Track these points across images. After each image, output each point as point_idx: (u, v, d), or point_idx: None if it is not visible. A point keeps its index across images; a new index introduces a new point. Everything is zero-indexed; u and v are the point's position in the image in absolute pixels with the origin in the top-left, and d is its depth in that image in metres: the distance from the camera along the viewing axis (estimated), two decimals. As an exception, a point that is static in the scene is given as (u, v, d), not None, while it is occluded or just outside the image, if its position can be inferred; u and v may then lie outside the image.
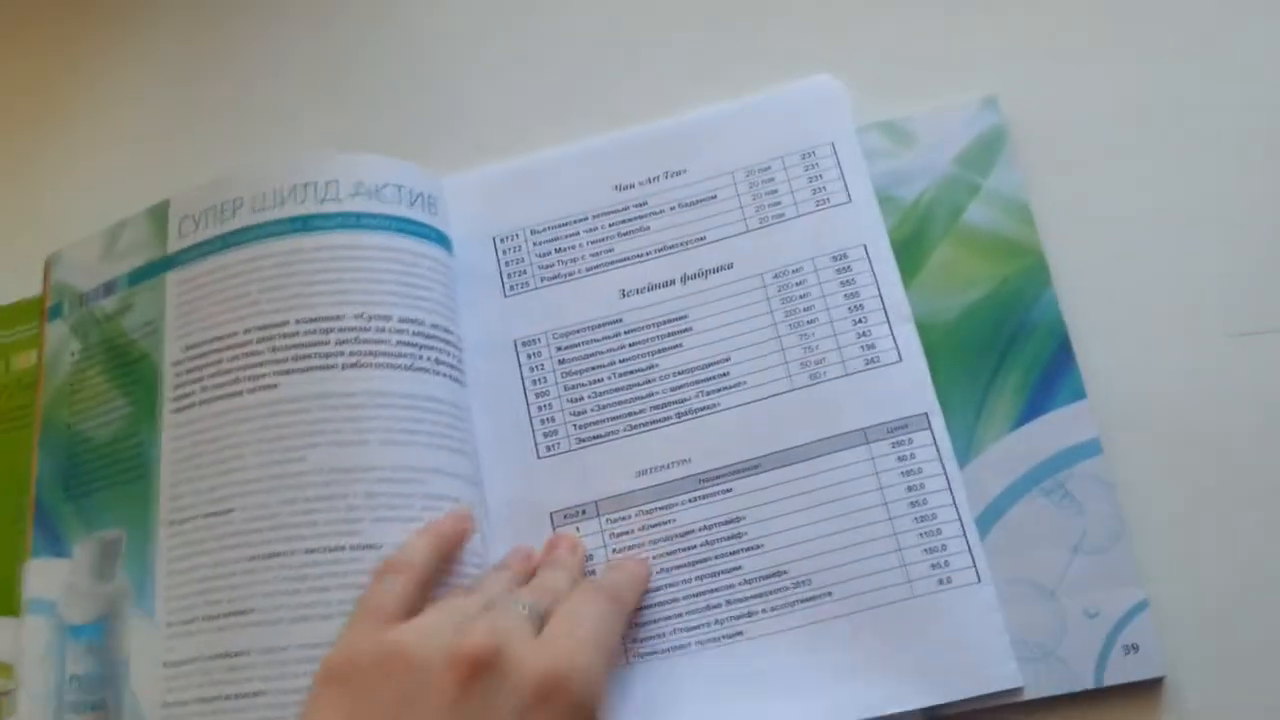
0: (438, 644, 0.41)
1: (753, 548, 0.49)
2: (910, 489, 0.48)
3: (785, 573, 0.48)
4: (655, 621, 0.49)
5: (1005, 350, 0.50)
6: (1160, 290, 0.50)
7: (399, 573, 0.44)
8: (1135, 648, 0.45)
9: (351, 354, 0.49)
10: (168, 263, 0.53)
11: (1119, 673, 0.45)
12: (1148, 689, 0.45)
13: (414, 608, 0.44)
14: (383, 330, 0.50)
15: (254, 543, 0.47)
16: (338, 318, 0.49)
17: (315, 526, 0.47)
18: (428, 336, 0.51)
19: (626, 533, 0.50)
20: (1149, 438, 0.48)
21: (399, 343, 0.50)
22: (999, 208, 0.52)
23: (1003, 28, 0.56)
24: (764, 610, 0.48)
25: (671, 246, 0.54)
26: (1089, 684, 0.45)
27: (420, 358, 0.50)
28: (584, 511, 0.51)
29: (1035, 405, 0.49)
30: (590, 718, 0.42)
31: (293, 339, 0.49)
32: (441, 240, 0.53)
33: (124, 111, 0.65)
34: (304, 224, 0.51)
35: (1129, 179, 0.52)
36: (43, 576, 0.52)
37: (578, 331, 0.53)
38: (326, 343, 0.49)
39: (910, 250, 0.52)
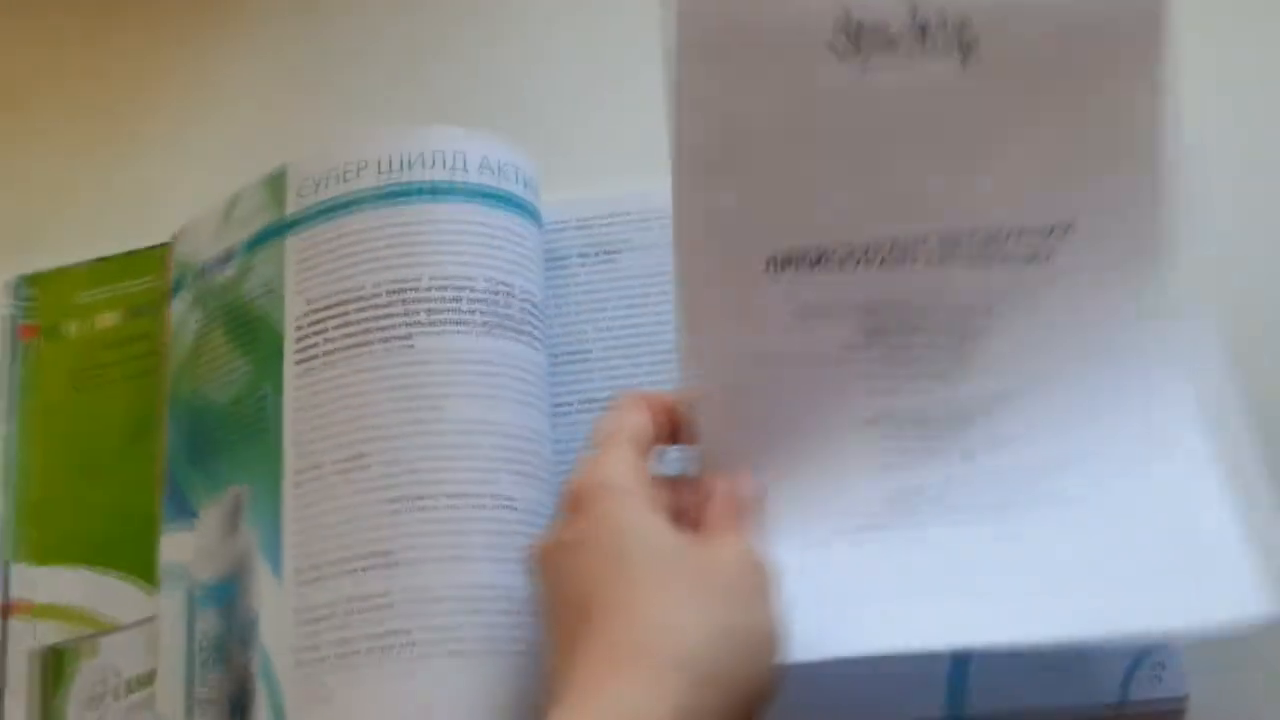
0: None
1: None
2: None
3: None
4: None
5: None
6: None
7: None
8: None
9: (483, 318, 0.50)
10: (287, 225, 0.54)
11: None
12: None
13: None
14: (509, 301, 0.51)
15: (392, 487, 0.48)
16: (469, 279, 0.51)
17: (455, 474, 0.48)
18: (538, 311, 0.53)
19: None
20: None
21: (521, 314, 0.51)
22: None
23: None
24: None
25: None
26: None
27: (534, 330, 0.52)
28: None
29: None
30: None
31: (425, 295, 0.50)
32: (539, 224, 0.55)
33: (230, 90, 0.66)
34: (432, 191, 0.52)
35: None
36: (175, 545, 0.53)
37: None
38: (460, 302, 0.50)
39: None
